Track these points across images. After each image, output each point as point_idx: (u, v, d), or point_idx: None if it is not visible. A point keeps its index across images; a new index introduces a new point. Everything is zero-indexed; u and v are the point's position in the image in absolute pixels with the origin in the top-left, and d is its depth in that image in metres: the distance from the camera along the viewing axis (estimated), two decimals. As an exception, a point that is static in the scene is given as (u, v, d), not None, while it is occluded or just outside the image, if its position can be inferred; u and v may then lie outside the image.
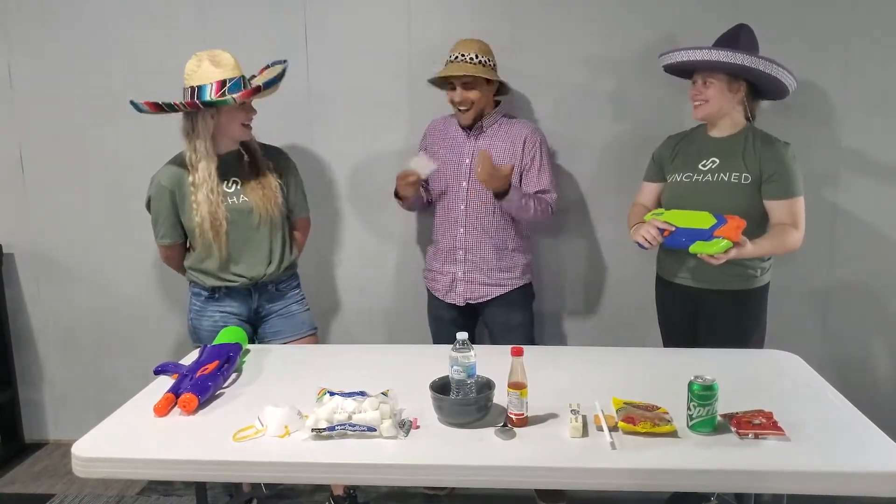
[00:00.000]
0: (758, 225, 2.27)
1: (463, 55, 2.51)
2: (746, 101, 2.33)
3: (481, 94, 2.53)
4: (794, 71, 2.62)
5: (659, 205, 2.47)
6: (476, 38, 2.57)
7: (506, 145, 2.59)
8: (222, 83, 2.25)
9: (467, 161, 2.60)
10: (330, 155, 3.00)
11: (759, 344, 2.42)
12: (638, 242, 2.25)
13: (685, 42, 2.50)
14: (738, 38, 2.30)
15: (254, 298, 2.47)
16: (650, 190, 2.52)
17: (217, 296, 2.45)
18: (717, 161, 2.32)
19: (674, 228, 2.19)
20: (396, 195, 2.66)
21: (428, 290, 2.79)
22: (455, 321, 2.68)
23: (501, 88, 2.64)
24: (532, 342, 2.75)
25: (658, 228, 2.20)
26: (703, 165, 2.34)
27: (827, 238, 2.84)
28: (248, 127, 2.37)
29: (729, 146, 2.32)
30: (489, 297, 2.67)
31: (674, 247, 2.23)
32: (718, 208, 2.22)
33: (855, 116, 2.74)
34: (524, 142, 2.59)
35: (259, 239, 2.41)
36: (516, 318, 2.70)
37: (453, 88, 2.54)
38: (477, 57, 2.51)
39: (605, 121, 2.85)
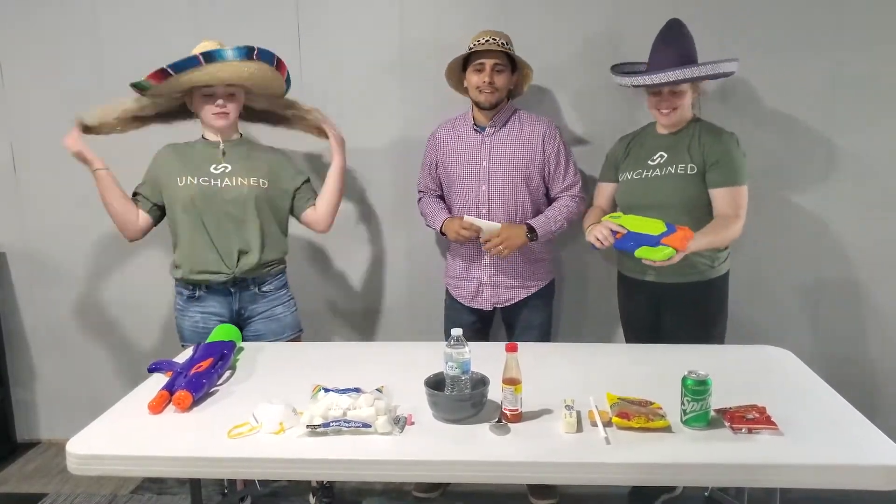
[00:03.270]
0: (708, 212, 2.32)
1: (494, 39, 2.47)
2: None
3: (505, 82, 2.52)
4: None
5: (615, 205, 2.51)
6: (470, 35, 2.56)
7: (522, 143, 2.56)
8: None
9: (485, 163, 2.56)
10: (323, 152, 2.99)
11: (721, 335, 2.45)
12: (591, 243, 2.28)
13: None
14: (687, 37, 2.34)
15: (235, 298, 2.45)
16: (606, 190, 2.56)
17: (197, 294, 2.44)
18: (665, 155, 2.37)
19: (625, 231, 2.22)
20: (441, 231, 2.63)
21: (452, 296, 2.74)
22: (473, 324, 2.67)
23: (512, 91, 2.62)
24: (548, 339, 2.75)
25: (611, 230, 2.23)
26: (652, 161, 2.39)
27: (816, 233, 2.85)
28: (220, 116, 2.37)
29: (676, 140, 2.38)
30: (516, 300, 2.65)
31: (622, 250, 2.24)
32: (667, 200, 2.31)
33: (843, 114, 2.76)
34: (543, 140, 2.57)
35: (234, 227, 2.40)
36: (538, 317, 2.68)
37: (479, 71, 2.49)
38: (507, 44, 2.50)
39: (605, 114, 2.84)
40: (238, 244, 2.41)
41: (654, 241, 2.14)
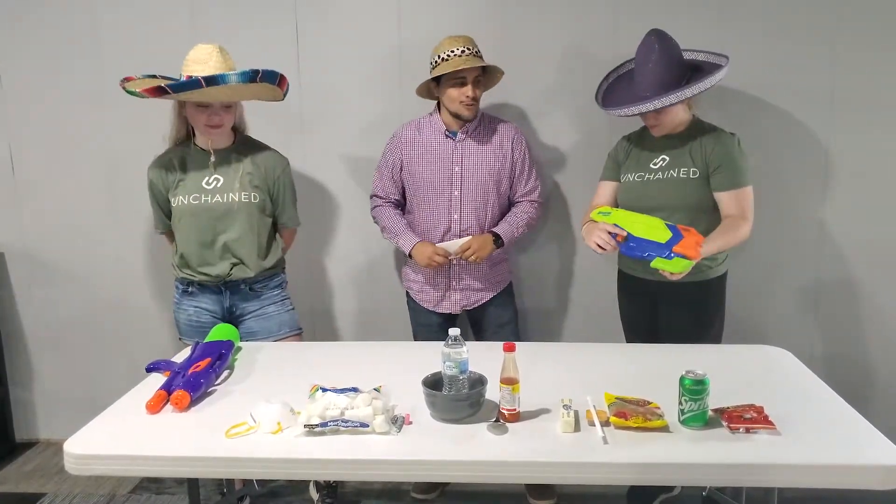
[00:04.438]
0: (710, 215, 2.32)
1: (468, 49, 2.45)
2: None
3: (482, 91, 2.53)
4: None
5: (615, 204, 2.48)
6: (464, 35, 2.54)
7: (494, 147, 2.59)
8: (188, 77, 2.26)
9: (457, 168, 2.57)
10: (320, 155, 2.99)
11: (718, 335, 2.45)
12: (593, 249, 2.20)
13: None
14: (664, 52, 2.29)
15: (225, 297, 2.46)
16: (608, 189, 2.52)
17: (191, 290, 2.46)
18: (667, 159, 2.37)
19: (625, 233, 2.13)
20: (409, 255, 2.63)
21: (415, 301, 2.74)
22: (443, 325, 2.67)
23: None
24: (518, 338, 2.76)
25: (609, 233, 2.15)
26: (654, 164, 2.39)
27: (816, 234, 2.85)
28: (213, 128, 2.34)
29: (677, 143, 2.37)
30: (484, 301, 2.68)
31: (632, 257, 2.18)
32: (669, 203, 2.30)
33: (842, 115, 2.75)
34: (512, 144, 2.60)
35: (227, 240, 2.39)
36: (508, 314, 2.73)
37: (461, 85, 2.46)
38: (478, 51, 2.49)
39: (584, 117, 2.84)
40: (232, 258, 2.41)
41: (666, 252, 2.05)
